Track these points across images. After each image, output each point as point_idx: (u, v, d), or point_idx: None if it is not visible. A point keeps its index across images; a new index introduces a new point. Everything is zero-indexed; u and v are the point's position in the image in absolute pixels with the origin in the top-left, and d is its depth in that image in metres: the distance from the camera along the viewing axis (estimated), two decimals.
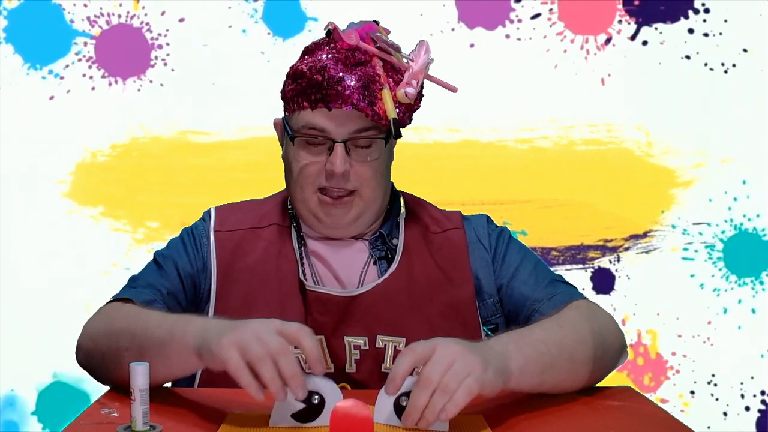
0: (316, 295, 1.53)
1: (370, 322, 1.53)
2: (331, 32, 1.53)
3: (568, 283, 1.62)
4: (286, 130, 1.57)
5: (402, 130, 1.50)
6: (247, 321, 1.25)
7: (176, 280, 1.58)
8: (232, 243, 1.59)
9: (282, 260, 1.57)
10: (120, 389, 1.41)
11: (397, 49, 1.55)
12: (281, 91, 1.58)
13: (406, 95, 1.50)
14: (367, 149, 1.53)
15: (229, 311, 1.53)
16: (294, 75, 1.54)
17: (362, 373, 1.51)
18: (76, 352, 1.51)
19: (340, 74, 1.50)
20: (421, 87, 1.54)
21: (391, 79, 1.52)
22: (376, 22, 1.57)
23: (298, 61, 1.56)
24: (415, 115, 1.56)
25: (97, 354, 1.45)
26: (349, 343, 1.52)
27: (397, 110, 1.50)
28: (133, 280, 1.60)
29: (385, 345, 1.52)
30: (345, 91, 1.49)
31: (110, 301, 1.54)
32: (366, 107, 1.49)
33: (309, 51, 1.56)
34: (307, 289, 1.54)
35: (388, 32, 1.57)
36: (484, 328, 1.58)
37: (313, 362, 1.21)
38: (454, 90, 1.57)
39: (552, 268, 1.71)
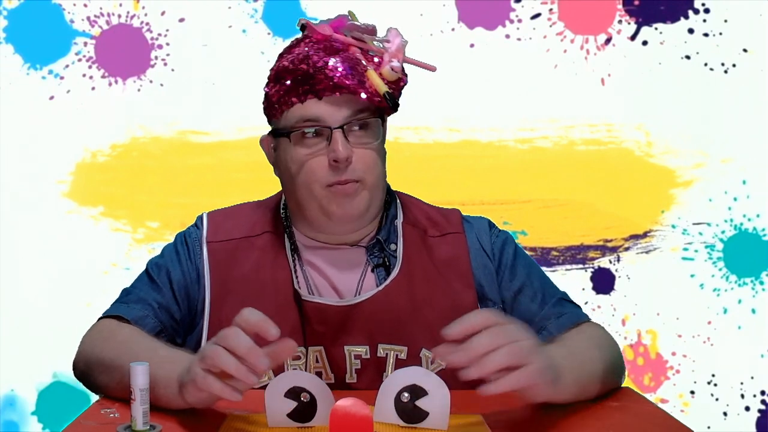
0: (313, 306, 1.50)
1: (371, 331, 1.50)
2: (305, 26, 1.52)
3: (573, 302, 1.60)
4: (278, 135, 1.53)
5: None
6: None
7: (169, 293, 1.55)
8: (225, 253, 1.56)
9: (276, 269, 1.54)
10: None
11: (372, 32, 1.52)
12: (264, 102, 1.55)
13: (392, 70, 1.48)
14: (365, 131, 1.50)
15: (224, 323, 1.50)
16: (276, 75, 1.52)
17: (363, 383, 1.49)
18: (73, 368, 1.51)
19: (324, 59, 1.47)
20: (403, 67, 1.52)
21: (371, 63, 1.49)
22: (346, 14, 1.54)
23: (276, 64, 1.53)
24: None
25: (92, 381, 1.46)
26: (350, 352, 1.50)
27: (388, 88, 1.47)
28: (125, 293, 1.58)
29: (387, 354, 1.50)
30: (332, 74, 1.46)
31: (103, 317, 1.53)
32: (357, 87, 1.46)
33: (285, 51, 1.54)
34: (303, 300, 1.51)
35: (364, 29, 1.53)
36: None
37: (263, 328, 1.18)
38: (432, 69, 1.52)
39: (552, 268, 1.71)
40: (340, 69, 1.46)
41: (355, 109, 1.48)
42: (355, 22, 1.53)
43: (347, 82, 1.46)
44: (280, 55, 1.54)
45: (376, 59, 1.51)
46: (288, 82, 1.49)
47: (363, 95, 1.47)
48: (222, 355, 1.17)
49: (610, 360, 1.44)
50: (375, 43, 1.52)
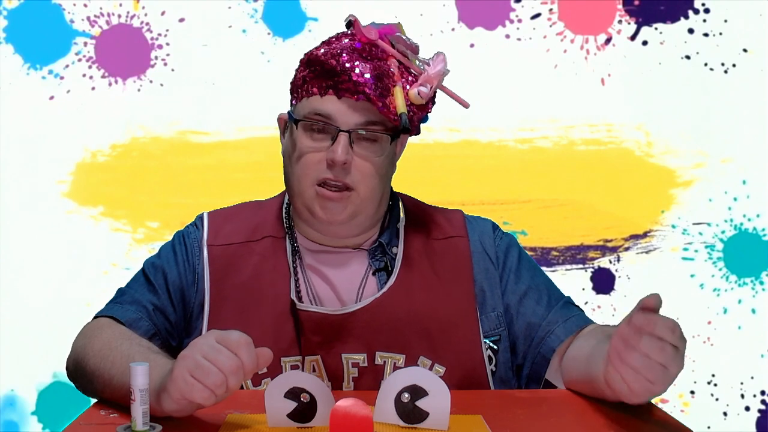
0: (308, 315, 1.49)
1: (369, 338, 1.48)
2: (352, 23, 1.50)
3: (577, 305, 1.60)
4: (290, 119, 1.53)
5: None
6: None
7: (165, 294, 1.54)
8: (224, 259, 1.55)
9: (275, 277, 1.53)
10: None
11: (416, 50, 1.52)
12: (291, 80, 1.54)
13: (419, 94, 1.46)
14: (372, 144, 1.48)
15: (223, 329, 1.51)
16: (308, 61, 1.50)
17: (360, 391, 1.46)
18: (66, 368, 1.51)
19: (355, 63, 1.46)
20: (434, 94, 1.50)
21: (404, 80, 1.48)
22: (397, 25, 1.54)
23: (314, 48, 1.52)
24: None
25: (80, 383, 1.46)
26: (347, 360, 1.48)
27: (408, 110, 1.46)
28: (120, 294, 1.57)
29: (384, 362, 1.49)
30: (357, 79, 1.45)
31: (96, 316, 1.53)
32: (376, 98, 1.44)
33: (327, 41, 1.53)
34: (298, 309, 1.49)
35: (409, 45, 1.53)
36: (486, 340, 1.53)
37: (249, 376, 1.21)
38: (466, 105, 1.51)
39: (552, 268, 1.71)
40: (366, 76, 1.45)
41: (368, 119, 1.47)
42: (402, 36, 1.52)
43: (368, 90, 1.45)
44: (322, 42, 1.53)
45: (411, 78, 1.49)
46: (315, 72, 1.48)
47: (380, 107, 1.45)
48: (213, 374, 1.18)
49: None
50: (417, 62, 1.51)
